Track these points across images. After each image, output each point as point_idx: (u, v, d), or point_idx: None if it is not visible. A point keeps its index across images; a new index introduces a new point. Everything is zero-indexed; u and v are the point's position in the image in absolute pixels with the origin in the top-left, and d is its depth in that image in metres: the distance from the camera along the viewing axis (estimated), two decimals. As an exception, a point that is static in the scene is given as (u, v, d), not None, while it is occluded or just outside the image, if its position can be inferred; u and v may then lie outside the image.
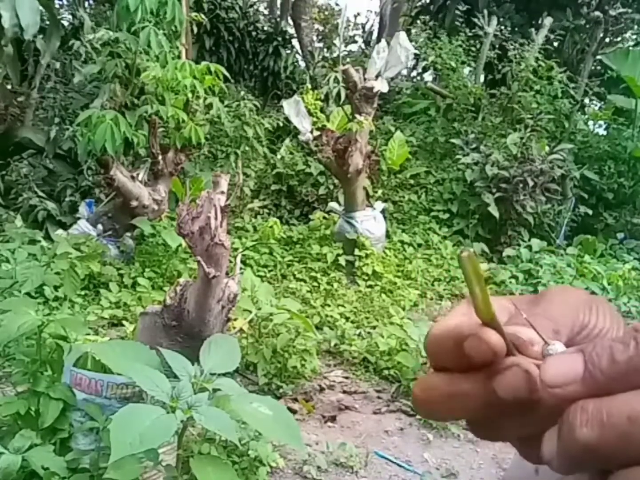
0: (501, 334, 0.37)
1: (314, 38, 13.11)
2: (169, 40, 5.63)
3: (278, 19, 11.61)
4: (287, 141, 8.27)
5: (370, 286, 5.78)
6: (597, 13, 8.48)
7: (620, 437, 0.31)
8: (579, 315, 0.42)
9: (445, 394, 0.39)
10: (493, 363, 0.37)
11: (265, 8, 14.30)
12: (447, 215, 7.41)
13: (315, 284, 5.75)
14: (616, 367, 0.33)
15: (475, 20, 8.84)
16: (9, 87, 8.20)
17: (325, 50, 13.19)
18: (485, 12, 9.08)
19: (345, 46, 14.18)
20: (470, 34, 8.78)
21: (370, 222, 6.14)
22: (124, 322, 4.66)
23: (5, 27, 5.53)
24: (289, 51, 10.55)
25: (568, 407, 0.34)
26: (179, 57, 5.90)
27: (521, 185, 6.93)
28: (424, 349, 0.41)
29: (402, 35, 5.87)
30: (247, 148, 7.47)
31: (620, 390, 0.33)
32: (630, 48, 9.29)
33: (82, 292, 5.03)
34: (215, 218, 2.81)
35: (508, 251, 6.82)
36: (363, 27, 15.45)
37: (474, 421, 0.41)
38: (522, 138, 7.42)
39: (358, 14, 18.88)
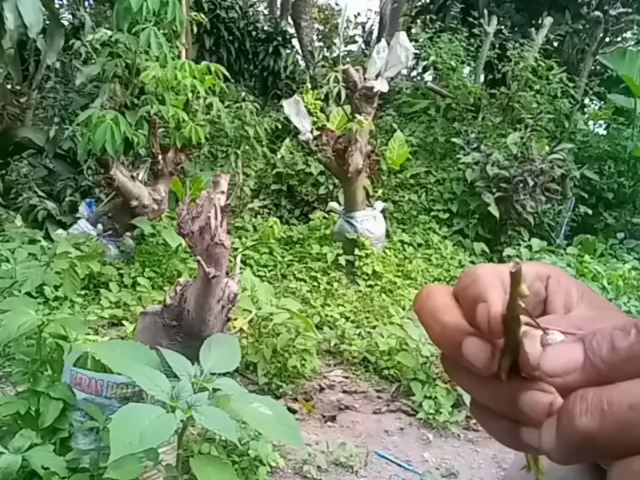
0: (512, 333, 0.37)
1: (314, 38, 13.10)
2: (169, 40, 5.63)
3: (278, 19, 11.61)
4: (287, 141, 8.27)
5: (370, 286, 5.78)
6: (597, 13, 8.48)
7: (621, 426, 0.31)
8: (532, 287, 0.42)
9: (433, 310, 0.40)
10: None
11: (265, 8, 14.30)
12: (447, 215, 7.40)
13: (315, 283, 5.75)
14: (616, 354, 0.32)
15: (475, 19, 8.83)
16: (8, 86, 8.19)
17: (325, 50, 13.18)
18: (485, 11, 9.08)
19: (345, 46, 14.19)
20: (469, 34, 8.78)
21: (370, 222, 6.14)
22: (124, 322, 4.66)
23: (10, 29, 5.53)
24: (289, 51, 10.55)
25: (567, 396, 0.33)
26: (179, 57, 5.90)
27: (521, 185, 6.93)
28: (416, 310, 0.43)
29: (402, 35, 5.87)
30: (247, 148, 7.47)
31: (621, 379, 0.32)
32: (630, 48, 9.28)
33: (82, 292, 5.03)
34: (215, 218, 2.81)
35: (508, 251, 6.82)
36: (363, 27, 15.45)
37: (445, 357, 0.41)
38: (522, 138, 7.42)
39: (358, 14, 18.87)
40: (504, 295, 0.38)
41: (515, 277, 0.36)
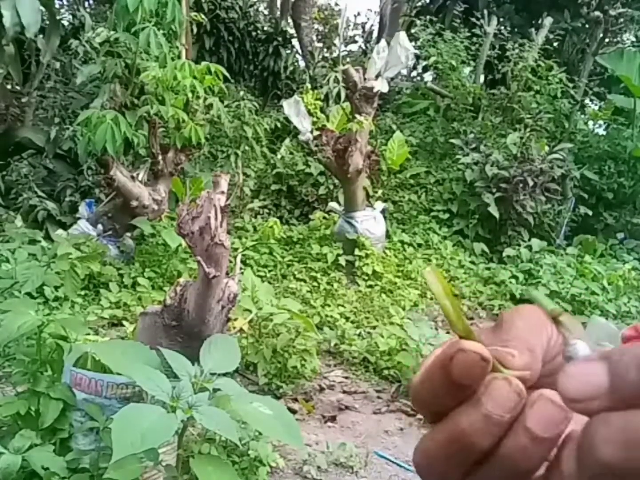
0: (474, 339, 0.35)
1: (314, 38, 13.10)
2: (169, 41, 5.63)
3: (278, 19, 11.61)
4: (287, 141, 8.27)
5: (370, 286, 5.78)
6: (597, 13, 8.48)
7: None
8: (545, 331, 0.39)
9: (444, 442, 0.35)
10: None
11: (265, 8, 14.29)
12: (447, 215, 7.40)
13: (315, 284, 5.75)
14: None
15: (475, 20, 8.84)
16: (8, 87, 8.19)
17: (325, 50, 13.19)
18: (485, 12, 9.08)
19: (345, 46, 14.18)
20: (469, 34, 8.79)
21: (370, 222, 6.14)
22: (124, 322, 4.66)
23: (6, 27, 5.53)
24: (289, 51, 10.55)
25: (589, 420, 0.30)
26: (178, 57, 5.90)
27: (521, 185, 6.93)
28: (412, 403, 0.38)
29: (402, 35, 5.87)
30: (247, 148, 7.47)
31: None
32: (630, 48, 9.28)
33: (82, 292, 5.03)
34: (215, 218, 2.81)
35: (508, 251, 6.82)
36: (363, 27, 15.44)
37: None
38: (521, 138, 7.42)
39: (358, 14, 18.88)
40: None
41: (437, 279, 0.35)
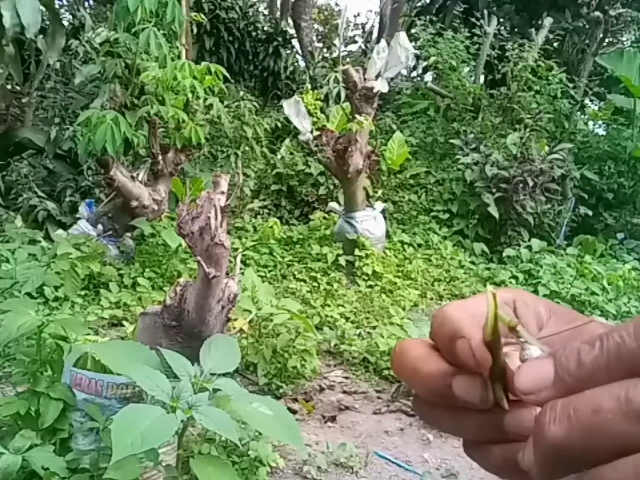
0: (495, 357, 0.38)
1: (314, 38, 13.11)
2: (169, 41, 5.63)
3: (278, 19, 11.61)
4: (287, 141, 8.27)
5: (370, 286, 5.78)
6: (597, 13, 8.48)
7: (587, 432, 0.31)
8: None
9: (412, 365, 0.41)
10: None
11: (265, 8, 14.30)
12: (447, 216, 7.40)
13: (315, 284, 5.75)
14: (583, 368, 0.33)
15: (475, 20, 8.83)
16: (8, 87, 8.19)
17: (325, 50, 13.19)
18: (485, 12, 9.08)
19: (345, 46, 14.19)
20: (469, 34, 8.79)
21: (370, 222, 6.14)
22: (124, 322, 4.66)
23: (6, 27, 5.53)
24: (289, 51, 10.55)
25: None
26: (178, 57, 5.90)
27: (521, 185, 6.93)
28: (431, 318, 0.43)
29: (402, 35, 5.87)
30: (247, 148, 7.47)
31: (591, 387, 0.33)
32: (630, 48, 9.28)
33: (82, 293, 5.03)
34: (215, 218, 2.81)
35: (508, 251, 6.82)
36: (363, 27, 15.44)
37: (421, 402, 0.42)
38: (521, 138, 7.42)
39: (358, 14, 18.90)
40: (478, 328, 0.38)
41: (493, 301, 0.37)
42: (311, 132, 5.91)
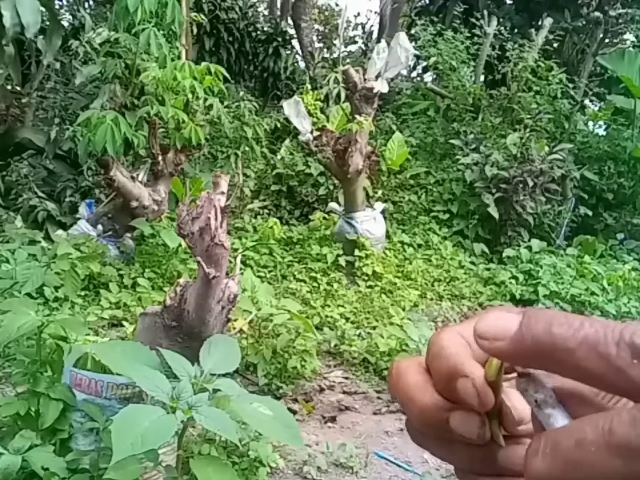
0: (497, 394, 0.37)
1: (314, 38, 13.10)
2: (169, 41, 5.63)
3: (278, 20, 11.61)
4: (287, 142, 8.27)
5: (370, 287, 5.78)
6: (597, 13, 8.48)
7: (570, 465, 0.30)
8: None
9: (407, 393, 0.40)
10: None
11: (265, 8, 14.30)
12: (447, 216, 7.40)
13: (315, 284, 5.75)
14: (548, 338, 0.32)
15: (475, 20, 8.84)
16: (8, 87, 8.19)
17: (325, 50, 13.19)
18: (485, 12, 9.08)
19: (345, 47, 14.18)
20: (469, 34, 8.79)
21: (370, 223, 6.14)
22: (124, 322, 4.66)
23: (6, 27, 5.53)
24: (288, 52, 10.55)
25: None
26: (178, 57, 5.90)
27: (521, 185, 6.93)
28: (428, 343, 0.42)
29: (402, 35, 5.87)
30: (247, 149, 7.47)
31: (542, 365, 0.33)
32: (630, 48, 9.28)
33: (82, 293, 5.03)
34: (215, 218, 2.81)
35: (508, 251, 6.82)
36: (363, 28, 15.43)
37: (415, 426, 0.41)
38: (521, 138, 7.42)
39: (358, 15, 18.90)
40: (477, 362, 0.38)
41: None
42: (311, 132, 5.91)
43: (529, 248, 6.76)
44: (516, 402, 0.38)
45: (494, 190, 7.01)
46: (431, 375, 0.40)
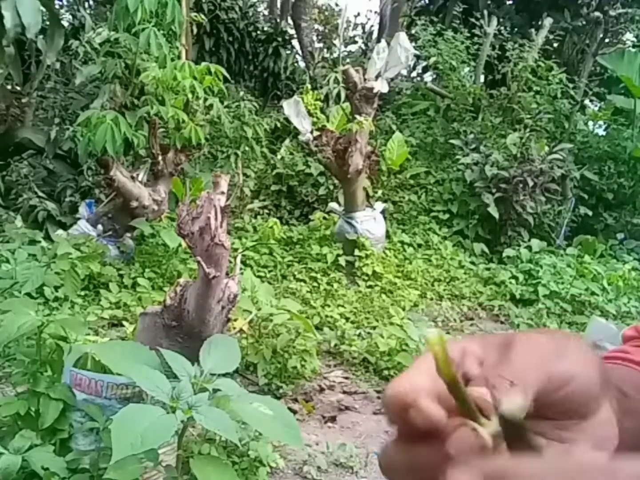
0: (460, 397, 0.37)
1: (314, 38, 13.11)
2: (169, 41, 5.63)
3: (278, 20, 11.61)
4: (287, 142, 8.27)
5: (370, 286, 5.78)
6: (597, 13, 8.48)
7: None
8: (547, 367, 0.41)
9: (405, 464, 0.39)
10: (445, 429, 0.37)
11: (265, 8, 14.30)
12: (447, 216, 7.40)
13: (315, 284, 5.75)
14: None
15: (475, 20, 8.84)
16: (8, 87, 8.19)
17: (325, 50, 13.17)
18: (485, 12, 9.08)
19: (345, 46, 14.17)
20: (469, 34, 8.79)
21: (370, 223, 6.14)
22: (124, 322, 4.66)
23: (7, 27, 5.53)
24: (288, 52, 10.55)
25: None
26: (178, 57, 5.90)
27: (521, 185, 6.93)
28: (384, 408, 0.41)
29: (402, 35, 5.87)
30: (247, 148, 7.47)
31: None
32: (630, 48, 9.28)
33: (82, 293, 5.03)
34: (215, 218, 2.81)
35: (508, 251, 6.82)
36: (363, 28, 15.43)
37: None
38: (521, 138, 7.42)
39: (358, 14, 18.89)
40: (418, 390, 0.37)
41: (438, 344, 0.37)
42: (311, 132, 5.91)
43: (529, 248, 6.76)
44: (483, 390, 0.38)
45: (494, 190, 7.01)
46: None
